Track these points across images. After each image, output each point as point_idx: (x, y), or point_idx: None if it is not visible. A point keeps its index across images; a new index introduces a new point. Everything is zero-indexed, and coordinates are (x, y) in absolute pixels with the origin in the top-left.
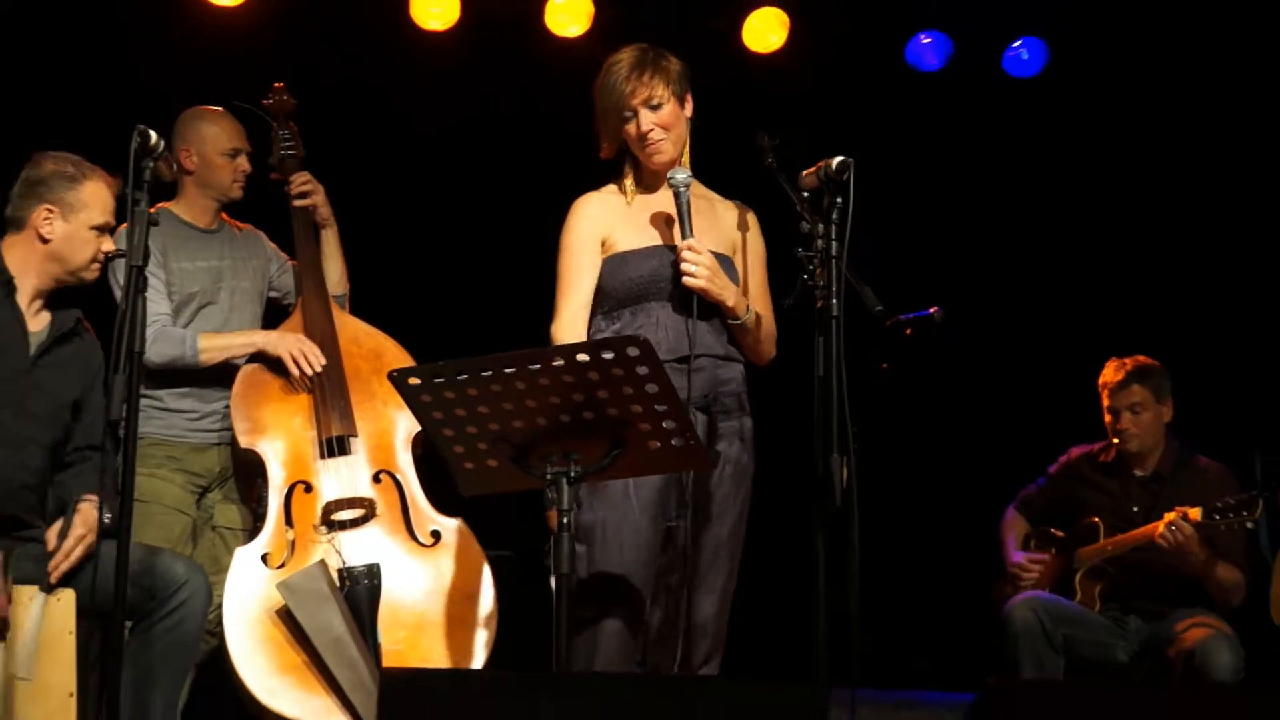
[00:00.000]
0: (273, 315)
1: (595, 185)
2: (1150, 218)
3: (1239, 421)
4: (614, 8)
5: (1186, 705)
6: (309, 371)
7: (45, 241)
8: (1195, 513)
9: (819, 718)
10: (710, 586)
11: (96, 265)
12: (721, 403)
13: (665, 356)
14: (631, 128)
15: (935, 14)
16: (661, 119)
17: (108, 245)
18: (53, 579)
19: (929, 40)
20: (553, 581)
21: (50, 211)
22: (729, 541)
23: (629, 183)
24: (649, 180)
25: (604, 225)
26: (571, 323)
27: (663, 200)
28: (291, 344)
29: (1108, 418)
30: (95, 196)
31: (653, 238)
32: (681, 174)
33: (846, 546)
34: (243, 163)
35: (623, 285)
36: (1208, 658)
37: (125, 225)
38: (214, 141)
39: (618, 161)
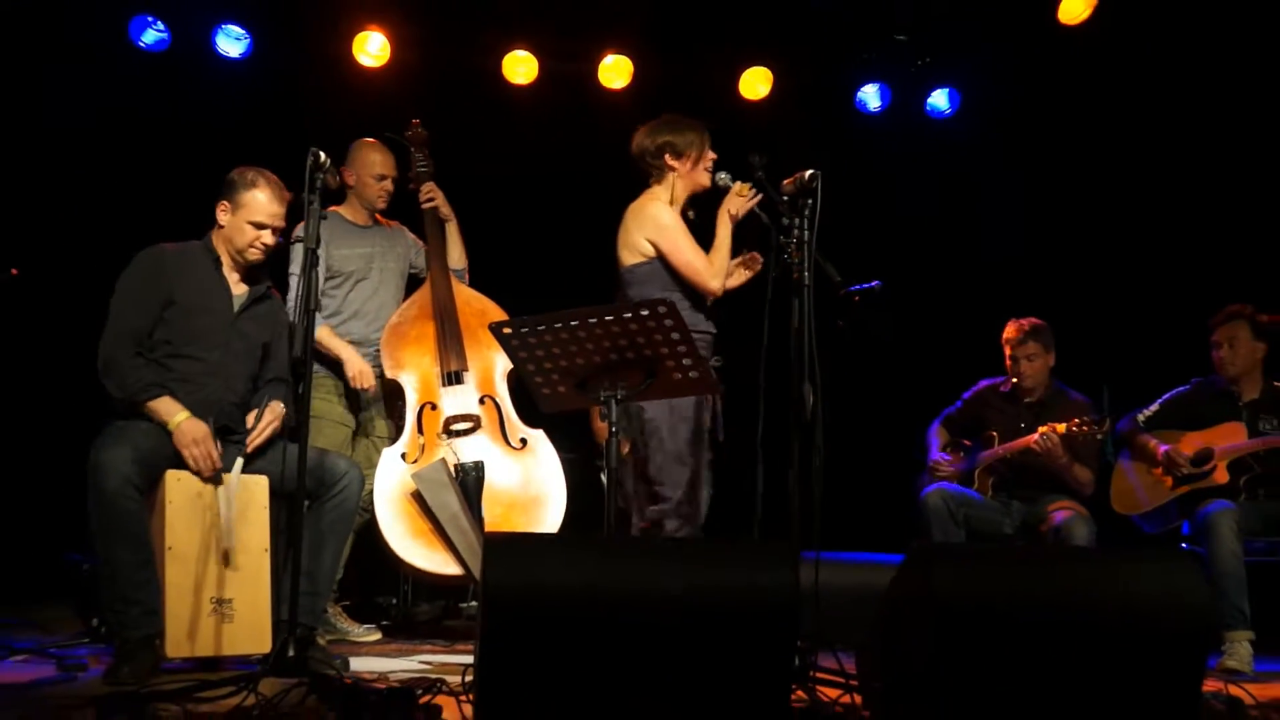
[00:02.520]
0: (413, 283)
1: (631, 193)
2: (1031, 214)
3: (1094, 363)
4: (646, 68)
5: (1055, 561)
6: (363, 388)
7: (221, 228)
8: (1061, 427)
9: (792, 569)
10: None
11: (255, 249)
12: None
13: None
14: (708, 154)
15: (877, 70)
16: None
17: (267, 239)
18: (249, 449)
19: (872, 89)
20: (603, 476)
21: (224, 207)
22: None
23: (675, 194)
24: (679, 198)
25: None
26: (719, 271)
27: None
28: (357, 365)
29: (1009, 363)
30: (256, 201)
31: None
32: (726, 173)
33: (813, 447)
34: (387, 184)
35: None
36: (1070, 530)
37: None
38: (368, 167)
39: (643, 179)
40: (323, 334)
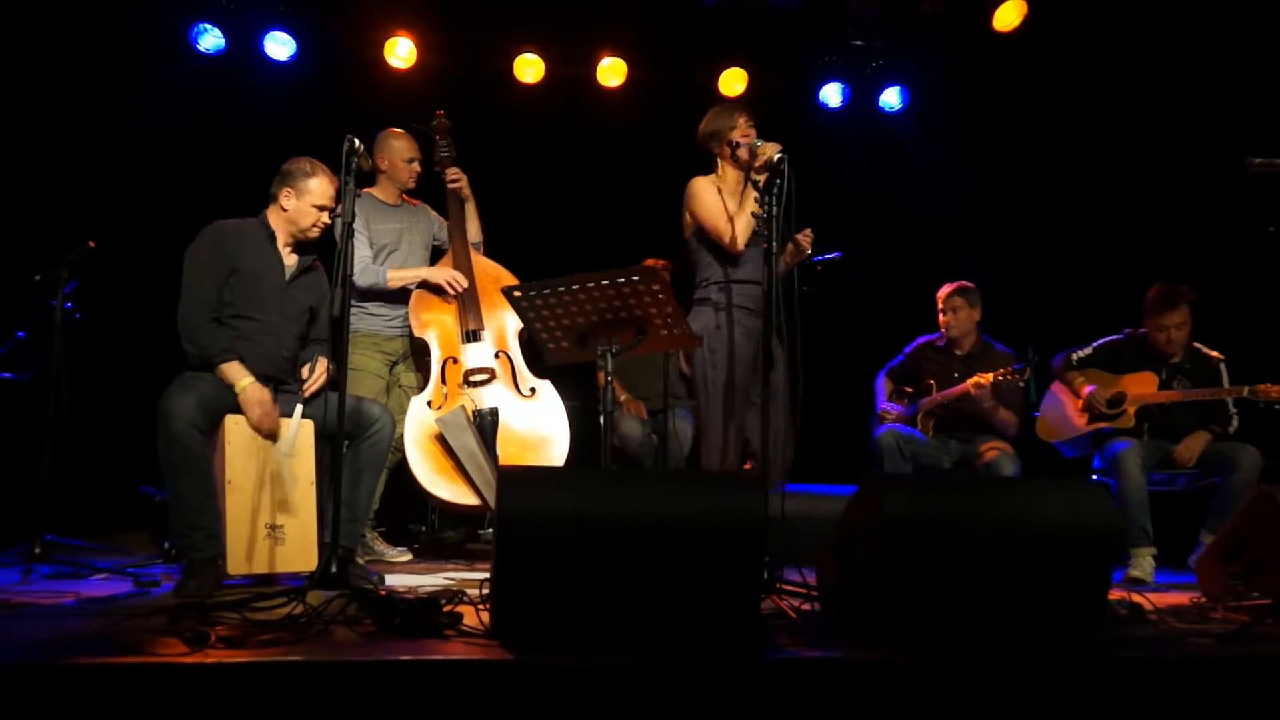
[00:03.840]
0: (435, 254)
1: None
2: (967, 193)
3: (1021, 324)
4: (640, 70)
5: (985, 488)
6: (457, 290)
7: (285, 211)
8: (988, 377)
9: (762, 499)
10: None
11: (316, 228)
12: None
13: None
14: (743, 131)
15: (837, 72)
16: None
17: (326, 219)
18: (305, 396)
19: (833, 88)
20: (601, 419)
21: (288, 193)
22: None
23: (727, 174)
24: (729, 175)
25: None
26: (741, 237)
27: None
28: (444, 274)
29: (941, 318)
30: (318, 186)
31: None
32: (758, 139)
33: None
34: (415, 166)
35: None
36: (999, 466)
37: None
38: (399, 153)
39: (705, 162)
40: (395, 274)
